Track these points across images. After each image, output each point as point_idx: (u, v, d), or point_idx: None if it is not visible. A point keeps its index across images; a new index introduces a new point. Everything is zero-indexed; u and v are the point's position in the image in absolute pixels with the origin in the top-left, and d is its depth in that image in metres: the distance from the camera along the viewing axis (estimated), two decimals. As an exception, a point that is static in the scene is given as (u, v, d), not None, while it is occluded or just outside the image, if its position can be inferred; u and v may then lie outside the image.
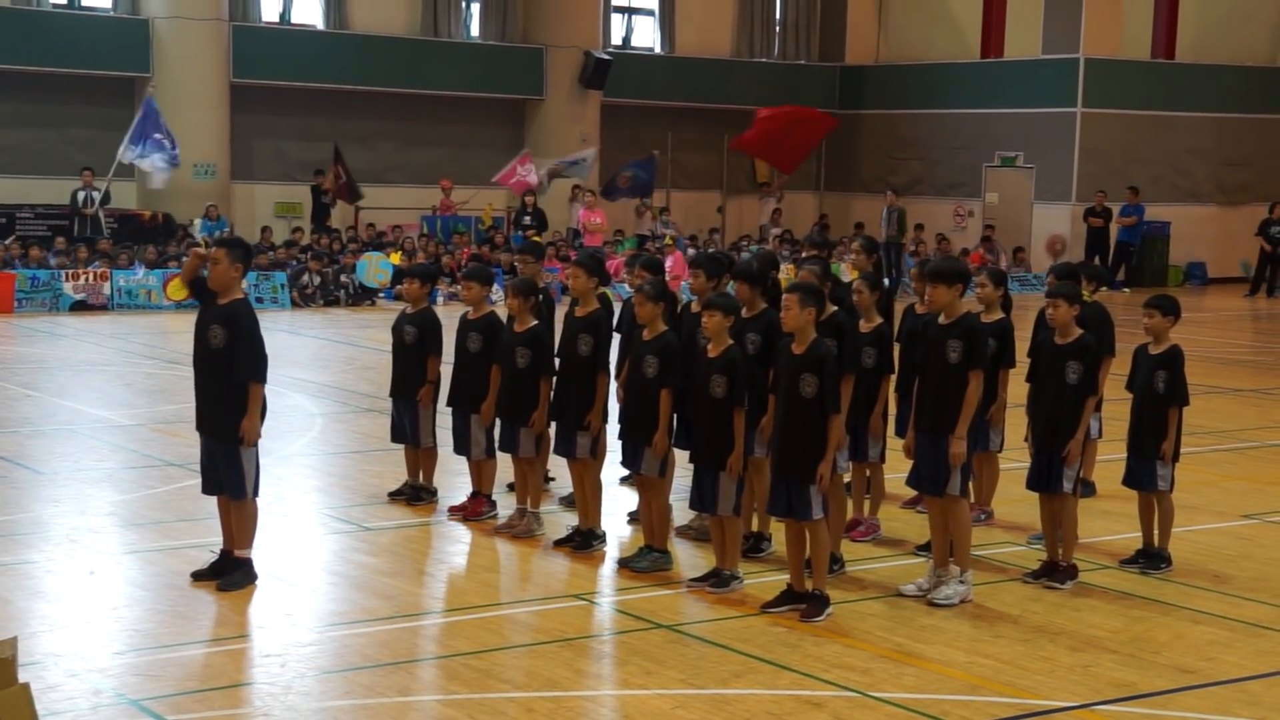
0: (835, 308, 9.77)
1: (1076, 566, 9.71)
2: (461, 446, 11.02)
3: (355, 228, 29.43)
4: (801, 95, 36.14)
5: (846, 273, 19.26)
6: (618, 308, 11.13)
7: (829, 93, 36.59)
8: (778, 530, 9.74)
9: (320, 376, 17.64)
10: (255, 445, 9.15)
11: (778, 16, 36.59)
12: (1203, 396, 15.80)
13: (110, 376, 17.69)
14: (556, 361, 10.33)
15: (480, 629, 8.60)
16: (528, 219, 30.01)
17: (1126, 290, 31.34)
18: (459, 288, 16.10)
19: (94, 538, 10.37)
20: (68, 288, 23.93)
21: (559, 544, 10.27)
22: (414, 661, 8.10)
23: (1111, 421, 11.63)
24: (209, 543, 9.69)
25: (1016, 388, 10.64)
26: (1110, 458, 11.65)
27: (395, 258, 26.80)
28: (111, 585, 9.30)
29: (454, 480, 11.74)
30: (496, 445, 10.80)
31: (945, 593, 9.14)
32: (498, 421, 10.70)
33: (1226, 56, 34.60)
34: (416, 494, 11.43)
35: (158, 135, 25.44)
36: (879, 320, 10.19)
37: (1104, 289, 13.77)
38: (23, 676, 5.76)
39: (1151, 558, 10.07)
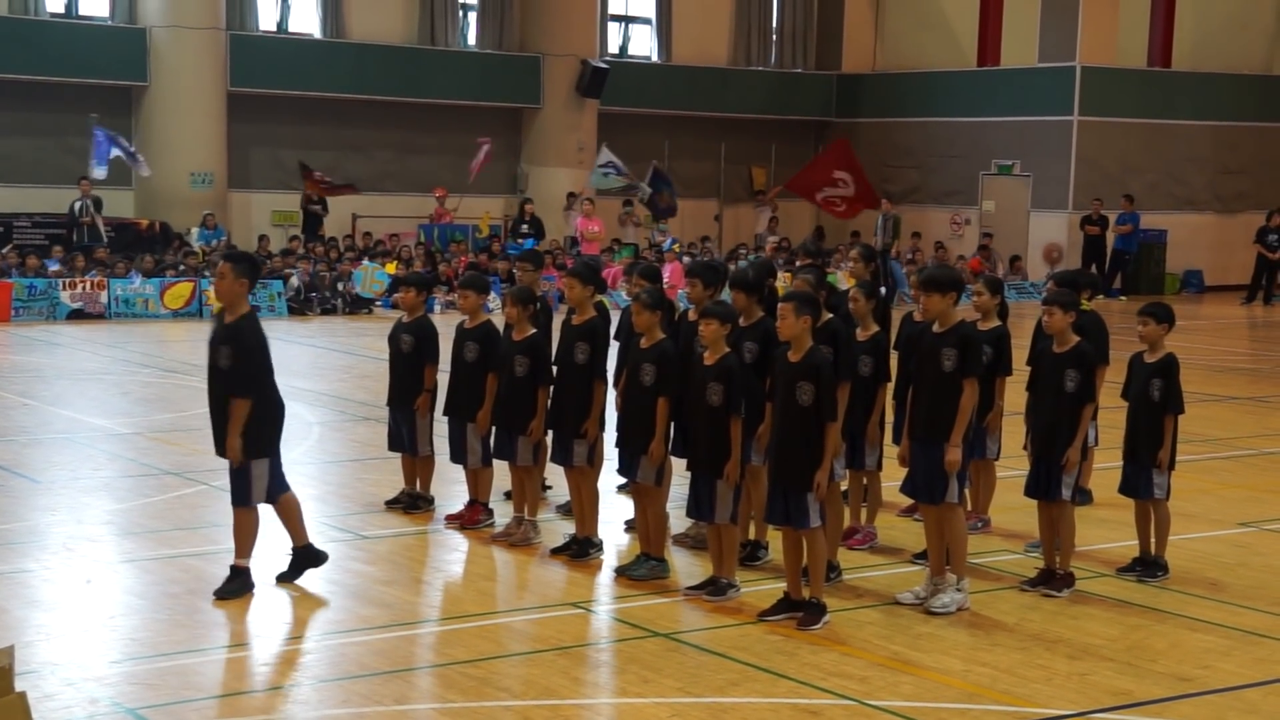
0: (830, 315, 9.78)
1: (1073, 574, 9.71)
2: (458, 455, 11.02)
3: (352, 236, 29.44)
4: (798, 104, 36.26)
5: (844, 281, 19.27)
6: (615, 316, 11.14)
7: (825, 101, 36.62)
8: (775, 538, 9.75)
9: (317, 385, 17.64)
10: (263, 458, 9.14)
11: (774, 25, 36.61)
12: (1199, 404, 15.80)
13: (107, 385, 17.68)
14: (554, 370, 10.34)
15: (477, 637, 8.60)
16: (525, 227, 30.03)
17: (1123, 298, 31.36)
18: (455, 296, 16.09)
19: (91, 546, 10.36)
20: (65, 296, 23.92)
21: (556, 552, 10.27)
22: (411, 670, 8.09)
23: (1107, 430, 11.64)
24: (207, 551, 9.68)
25: (1014, 395, 10.65)
26: (1107, 466, 11.66)
27: (391, 268, 26.82)
28: (108, 594, 9.30)
29: (451, 489, 11.74)
30: (492, 453, 10.81)
31: (942, 601, 9.15)
32: (492, 430, 10.70)
33: (1223, 65, 34.64)
34: (413, 502, 11.43)
35: (116, 153, 25.86)
36: (876, 328, 10.20)
37: (1100, 297, 13.79)
38: (19, 685, 5.76)
39: (1148, 566, 10.07)
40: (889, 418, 10.45)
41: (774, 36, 36.65)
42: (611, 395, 10.33)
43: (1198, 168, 34.19)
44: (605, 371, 10.28)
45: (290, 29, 31.24)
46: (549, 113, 32.48)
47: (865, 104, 36.34)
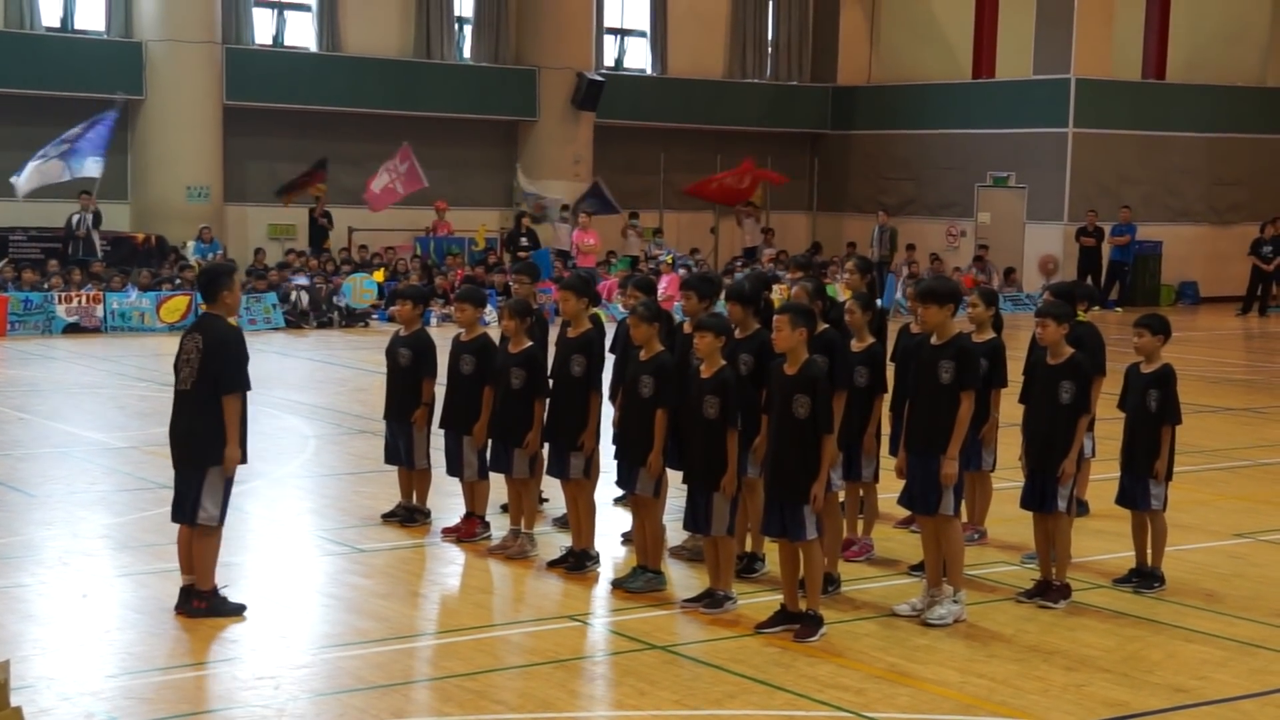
0: (826, 325, 9.78)
1: (1070, 586, 9.71)
2: (454, 468, 11.02)
3: (348, 249, 29.46)
4: (794, 116, 36.29)
5: (840, 293, 19.27)
6: (610, 328, 11.14)
7: (821, 113, 36.67)
8: (771, 551, 9.75)
9: (313, 398, 17.63)
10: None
11: (770, 37, 36.65)
12: (1195, 415, 15.80)
13: (103, 399, 17.68)
14: (550, 382, 10.34)
15: (474, 650, 8.59)
16: (523, 240, 30.06)
17: (1119, 310, 31.39)
18: (452, 309, 16.13)
19: (87, 560, 10.36)
20: (60, 310, 23.92)
21: (553, 565, 10.27)
22: (408, 683, 8.08)
23: (1104, 441, 11.65)
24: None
25: (1010, 407, 10.66)
26: (1103, 477, 11.66)
27: (379, 276, 26.82)
28: (104, 608, 9.29)
29: (447, 502, 11.73)
30: (488, 466, 10.81)
31: (939, 612, 9.15)
32: (489, 442, 10.70)
33: (1217, 76, 34.70)
34: (410, 515, 11.43)
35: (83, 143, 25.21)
36: (871, 340, 10.21)
37: (1096, 308, 13.81)
38: (15, 700, 5.76)
39: (1145, 577, 10.07)
40: (885, 429, 10.46)
41: (769, 49, 36.69)
42: (608, 408, 10.33)
43: (1192, 179, 34.24)
44: (601, 384, 10.28)
45: (286, 43, 31.26)
46: (545, 126, 32.51)
47: (860, 116, 36.39)
